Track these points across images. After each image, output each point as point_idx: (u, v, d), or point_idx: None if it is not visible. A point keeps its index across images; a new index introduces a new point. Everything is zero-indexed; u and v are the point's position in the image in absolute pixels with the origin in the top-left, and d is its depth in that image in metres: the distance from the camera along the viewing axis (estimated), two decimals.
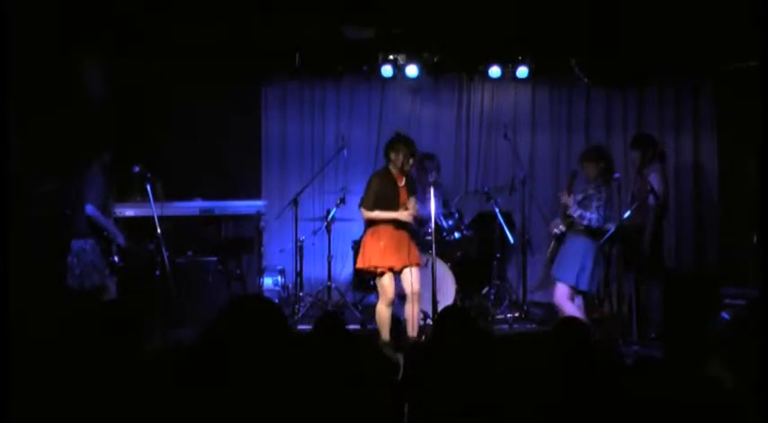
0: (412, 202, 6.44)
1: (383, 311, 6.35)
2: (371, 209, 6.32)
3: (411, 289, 6.35)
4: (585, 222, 6.08)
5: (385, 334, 6.32)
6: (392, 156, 6.32)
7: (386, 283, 6.33)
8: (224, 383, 2.33)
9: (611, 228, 6.19)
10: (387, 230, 6.32)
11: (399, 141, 6.36)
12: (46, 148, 7.08)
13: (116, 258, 6.43)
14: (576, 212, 6.14)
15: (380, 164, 8.86)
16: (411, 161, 6.34)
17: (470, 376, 2.79)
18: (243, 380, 2.17)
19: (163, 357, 2.94)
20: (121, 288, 6.49)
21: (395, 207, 6.33)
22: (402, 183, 6.38)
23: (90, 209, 6.22)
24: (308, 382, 2.96)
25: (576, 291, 6.15)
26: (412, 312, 6.36)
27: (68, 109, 7.21)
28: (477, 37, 7.74)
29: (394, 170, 6.35)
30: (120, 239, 6.43)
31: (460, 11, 7.06)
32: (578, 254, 6.12)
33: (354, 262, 8.34)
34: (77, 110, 7.25)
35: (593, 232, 6.13)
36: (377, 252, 6.31)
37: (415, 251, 6.42)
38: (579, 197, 6.18)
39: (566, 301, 6.16)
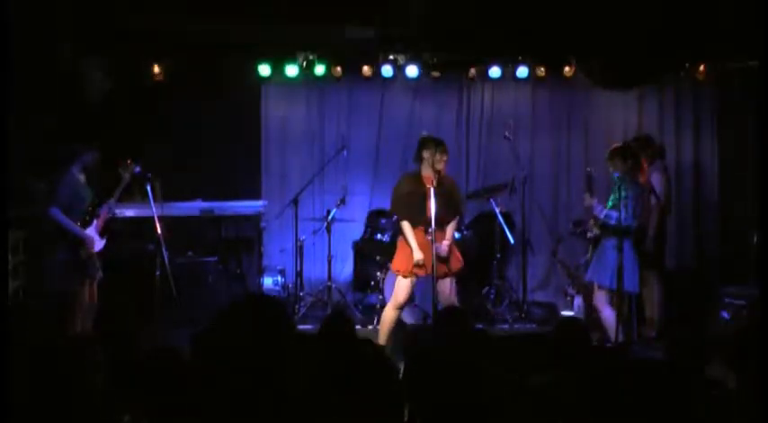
0: (450, 229, 6.24)
1: (389, 314, 6.26)
2: (402, 216, 6.20)
3: (442, 298, 6.15)
4: (614, 222, 6.08)
5: (382, 338, 6.19)
6: (425, 154, 6.14)
7: (403, 288, 6.20)
8: (223, 383, 2.33)
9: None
10: (418, 235, 6.16)
11: (428, 140, 6.22)
12: (43, 147, 7.09)
13: (95, 263, 6.37)
14: (602, 214, 6.14)
15: (381, 164, 8.92)
16: (444, 158, 6.14)
17: (468, 377, 2.79)
18: (243, 380, 2.17)
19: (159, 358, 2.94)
20: (113, 291, 6.45)
21: (424, 211, 6.10)
22: (431, 185, 6.13)
23: (54, 211, 6.13)
24: (311, 381, 2.96)
25: (612, 292, 6.14)
26: None
27: (67, 109, 7.23)
28: (477, 37, 7.74)
29: (426, 172, 6.17)
30: (89, 243, 6.30)
31: (460, 10, 7.06)
32: (613, 256, 6.10)
33: (355, 262, 8.40)
34: (77, 109, 7.26)
35: (624, 231, 6.09)
36: (406, 256, 6.19)
37: (454, 259, 6.23)
38: (612, 200, 6.18)
39: (604, 306, 6.17)
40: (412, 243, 6.11)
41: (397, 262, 6.28)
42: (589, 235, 6.37)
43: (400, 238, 6.31)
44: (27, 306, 4.07)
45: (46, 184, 6.68)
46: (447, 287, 6.20)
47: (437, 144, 6.17)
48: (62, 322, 6.00)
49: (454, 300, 6.24)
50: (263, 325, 2.15)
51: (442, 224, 6.17)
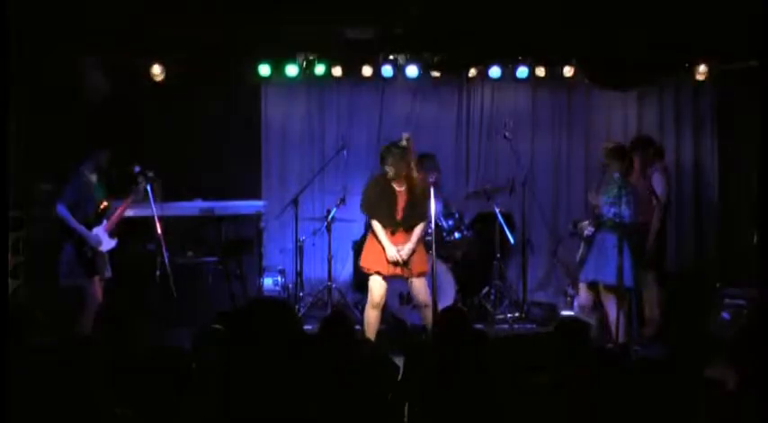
0: (417, 231, 6.26)
1: (369, 314, 6.36)
2: (371, 216, 6.31)
3: (416, 300, 6.36)
4: (618, 220, 6.11)
5: (369, 337, 6.20)
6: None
7: (372, 286, 6.33)
8: (226, 384, 2.34)
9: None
10: (386, 234, 6.29)
11: (386, 149, 6.29)
12: (45, 148, 7.10)
13: (104, 261, 6.38)
14: (609, 211, 6.16)
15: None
16: (385, 167, 6.19)
17: (468, 377, 2.80)
18: (246, 380, 2.18)
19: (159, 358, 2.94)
20: (114, 291, 6.44)
21: (393, 213, 6.24)
22: (401, 187, 6.27)
23: (60, 209, 6.16)
24: (312, 381, 2.96)
25: (615, 290, 6.16)
26: (426, 322, 6.35)
27: (68, 109, 7.23)
28: (477, 37, 7.74)
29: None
30: (94, 242, 6.30)
31: (460, 11, 7.06)
32: (609, 250, 6.14)
33: (355, 262, 8.39)
34: (77, 110, 7.26)
35: (623, 228, 6.11)
36: (371, 253, 6.32)
37: (418, 261, 6.30)
38: (609, 196, 6.19)
39: (609, 303, 6.18)
40: (383, 241, 6.21)
41: (363, 258, 6.40)
42: (586, 233, 6.37)
43: (369, 236, 6.40)
44: (30, 305, 4.07)
45: (54, 184, 6.72)
46: (420, 288, 6.28)
47: (385, 154, 6.23)
48: (72, 319, 6.01)
49: (428, 300, 6.29)
50: (270, 328, 2.16)
51: (407, 227, 6.26)
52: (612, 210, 6.14)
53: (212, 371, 2.94)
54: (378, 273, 6.28)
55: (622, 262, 5.97)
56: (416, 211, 6.26)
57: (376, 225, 6.28)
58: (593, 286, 6.40)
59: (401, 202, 6.25)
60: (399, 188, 6.25)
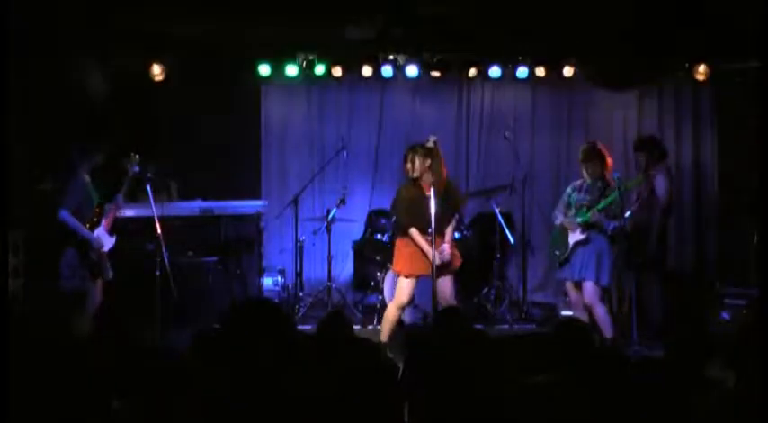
0: (449, 231, 6.22)
1: (392, 313, 6.30)
2: (409, 224, 6.19)
3: (446, 302, 6.17)
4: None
5: (384, 336, 6.23)
6: (407, 166, 6.23)
7: (406, 288, 6.24)
8: (225, 384, 2.34)
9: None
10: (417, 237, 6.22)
11: (411, 148, 6.24)
12: (45, 147, 7.10)
13: (106, 262, 6.38)
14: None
15: (380, 164, 8.93)
16: (418, 161, 6.14)
17: (468, 377, 2.80)
18: (244, 380, 2.18)
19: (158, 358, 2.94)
20: (114, 291, 6.44)
21: (428, 218, 6.06)
22: (430, 192, 6.12)
23: (63, 214, 6.14)
24: (310, 382, 2.97)
25: (605, 290, 6.21)
26: None
27: (68, 109, 7.23)
28: (477, 37, 7.74)
29: (423, 178, 6.21)
30: (98, 245, 6.30)
31: (461, 11, 7.06)
32: (605, 253, 6.17)
33: (355, 262, 8.40)
34: (77, 110, 7.26)
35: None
36: (407, 257, 6.23)
37: (454, 259, 6.23)
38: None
39: (598, 303, 6.21)
40: (424, 248, 6.12)
41: (398, 264, 6.31)
42: (580, 237, 6.36)
43: (398, 240, 6.33)
44: (33, 306, 4.06)
45: (53, 185, 6.70)
46: (448, 287, 6.21)
47: (409, 154, 6.20)
48: (75, 322, 6.01)
49: (453, 300, 6.24)
50: (263, 329, 2.16)
51: (442, 227, 6.17)
52: (613, 225, 6.18)
53: (210, 371, 2.95)
54: (412, 275, 6.21)
55: (623, 264, 6.00)
56: (448, 209, 6.20)
57: (414, 232, 6.16)
58: (577, 285, 6.41)
59: (433, 207, 6.15)
60: (428, 193, 6.16)
